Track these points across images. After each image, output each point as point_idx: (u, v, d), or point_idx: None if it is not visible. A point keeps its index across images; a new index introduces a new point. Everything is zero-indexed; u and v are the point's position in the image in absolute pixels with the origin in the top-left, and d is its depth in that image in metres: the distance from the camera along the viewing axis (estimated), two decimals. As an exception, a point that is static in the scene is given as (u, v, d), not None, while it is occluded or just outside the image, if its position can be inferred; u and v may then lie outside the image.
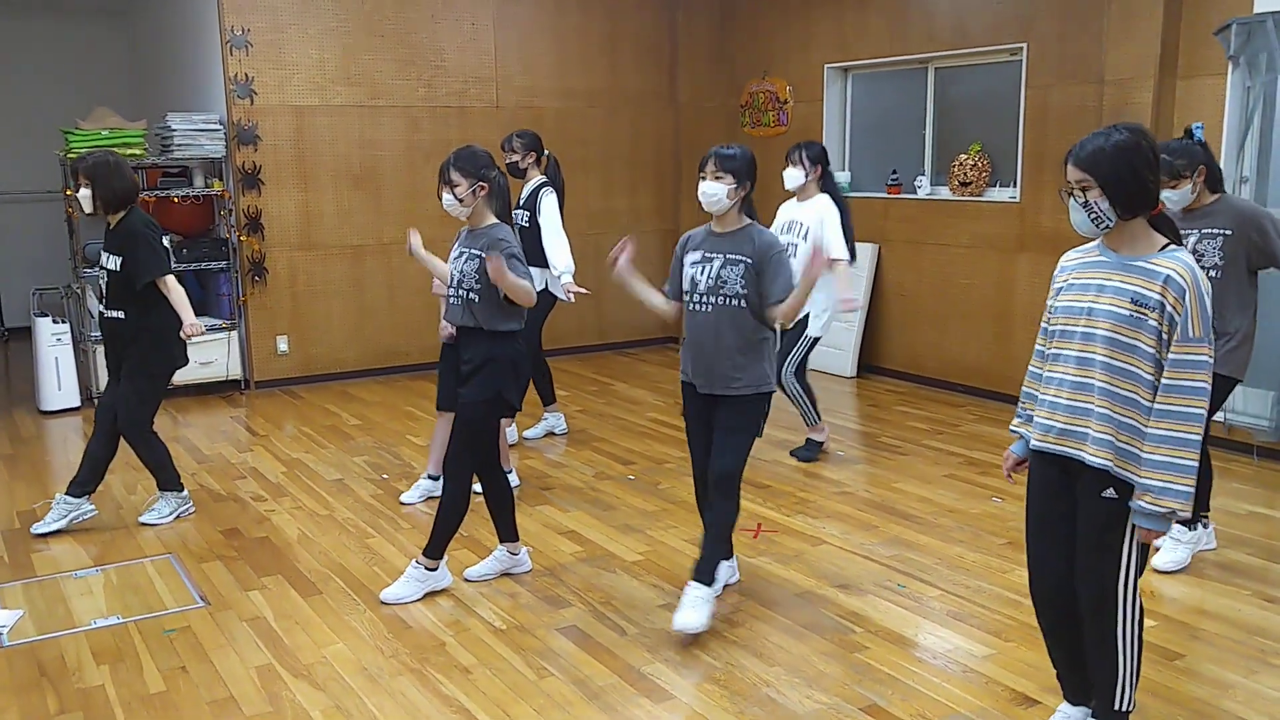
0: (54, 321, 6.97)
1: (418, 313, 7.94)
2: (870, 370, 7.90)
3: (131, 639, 3.76)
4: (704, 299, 3.72)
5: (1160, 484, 2.55)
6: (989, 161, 7.14)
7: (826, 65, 8.09)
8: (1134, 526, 2.67)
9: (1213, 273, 4.00)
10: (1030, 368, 2.90)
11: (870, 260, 7.72)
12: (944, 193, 7.43)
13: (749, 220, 3.76)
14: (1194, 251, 4.03)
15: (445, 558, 4.09)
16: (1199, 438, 2.54)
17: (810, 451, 5.82)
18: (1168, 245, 2.63)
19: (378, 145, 7.80)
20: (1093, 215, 2.61)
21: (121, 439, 4.85)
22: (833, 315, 5.69)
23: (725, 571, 4.02)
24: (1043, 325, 2.87)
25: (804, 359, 5.68)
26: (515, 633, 3.77)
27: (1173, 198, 4.01)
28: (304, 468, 5.78)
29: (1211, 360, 2.56)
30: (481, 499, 4.21)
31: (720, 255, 3.70)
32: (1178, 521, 4.19)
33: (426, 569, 4.05)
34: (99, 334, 7.00)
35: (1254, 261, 4.02)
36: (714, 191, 3.67)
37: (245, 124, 7.34)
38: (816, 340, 5.68)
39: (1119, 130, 2.60)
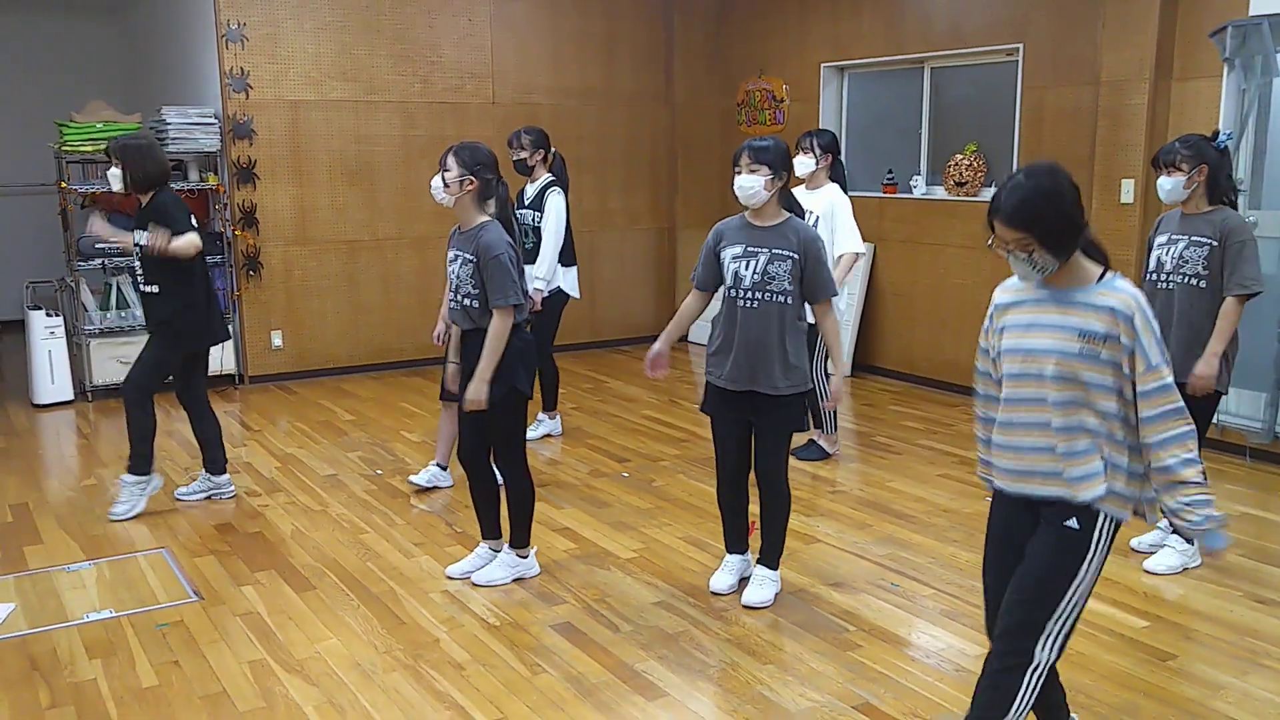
0: (47, 315, 6.95)
1: (411, 309, 7.93)
2: (865, 369, 7.91)
3: (124, 633, 3.75)
4: (749, 295, 3.72)
5: (1178, 506, 2.46)
6: (984, 162, 7.15)
7: (823, 64, 8.09)
8: (1084, 568, 2.52)
9: (1195, 281, 3.99)
10: (977, 412, 2.77)
11: (865, 260, 7.74)
12: (939, 193, 7.44)
13: (787, 214, 3.77)
14: (1180, 258, 4.02)
15: (534, 547, 4.27)
16: (1195, 454, 2.45)
17: (812, 453, 5.81)
18: (1104, 273, 2.51)
19: (373, 140, 7.79)
20: (1037, 268, 2.48)
21: (191, 407, 5.02)
22: (842, 298, 5.69)
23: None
24: (979, 366, 2.75)
25: (828, 355, 5.69)
26: (509, 629, 3.77)
27: (1164, 185, 4.01)
28: (298, 463, 5.77)
29: (1173, 379, 2.46)
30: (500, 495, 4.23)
31: (765, 250, 3.70)
32: (1175, 532, 4.24)
33: (519, 556, 4.19)
34: (92, 328, 7.01)
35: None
36: (751, 185, 3.67)
37: (240, 118, 7.32)
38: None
39: (1036, 175, 2.46)
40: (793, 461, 5.66)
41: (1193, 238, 4.01)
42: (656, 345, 4.00)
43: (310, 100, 7.53)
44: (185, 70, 8.11)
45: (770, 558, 4.00)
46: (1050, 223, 2.43)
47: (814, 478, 5.53)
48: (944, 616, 3.88)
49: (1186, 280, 4.01)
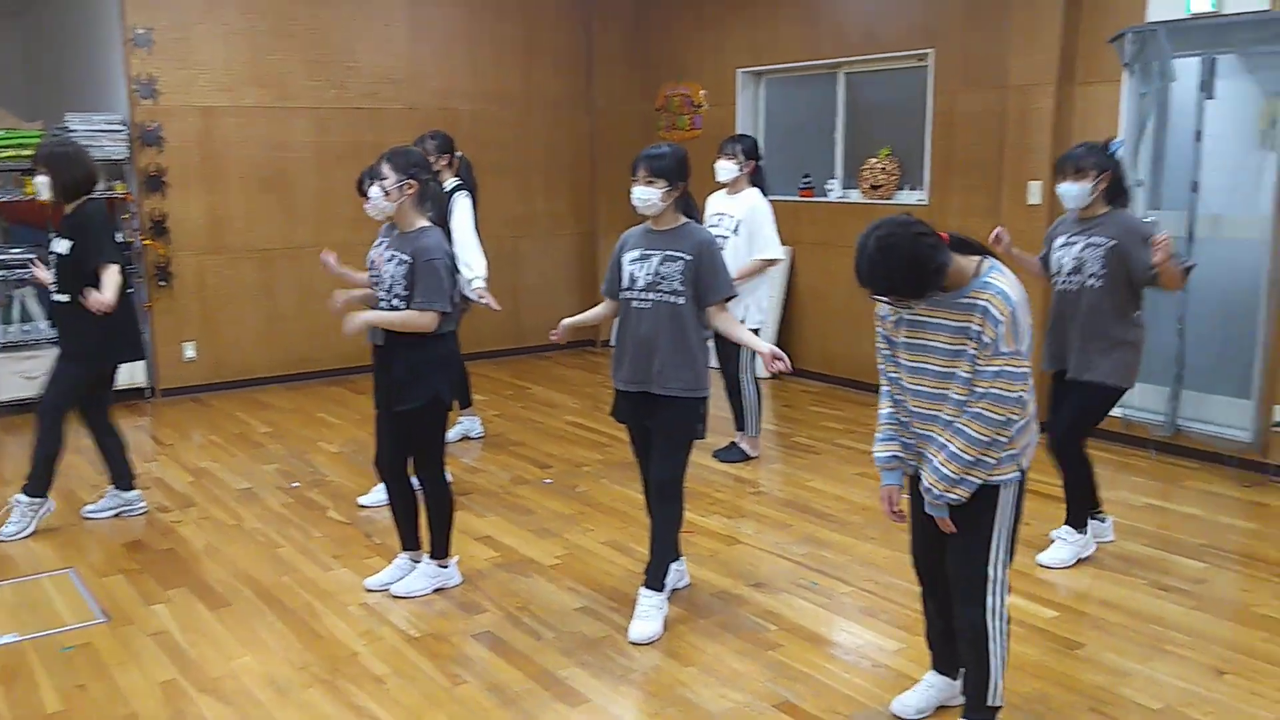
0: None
1: (330, 317, 7.70)
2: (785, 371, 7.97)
3: (27, 657, 3.62)
4: (643, 295, 3.71)
5: (934, 463, 2.78)
6: (898, 165, 7.28)
7: (739, 70, 8.17)
8: (1001, 511, 2.82)
9: (1093, 281, 4.10)
10: (885, 390, 3.02)
11: (784, 262, 7.82)
12: (855, 196, 7.56)
13: (686, 219, 3.77)
14: (1078, 259, 4.14)
15: (455, 557, 4.23)
16: (987, 440, 2.72)
17: (734, 454, 5.85)
18: (981, 264, 2.76)
19: (288, 147, 7.66)
20: (913, 307, 2.79)
21: (94, 424, 4.92)
22: (764, 298, 5.76)
23: (673, 576, 4.00)
24: (883, 353, 2.97)
25: (753, 355, 5.71)
26: (429, 640, 3.73)
27: (1071, 190, 4.12)
28: (212, 477, 5.64)
29: (1027, 371, 2.71)
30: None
31: (659, 252, 3.70)
32: (1067, 524, 4.37)
33: (439, 567, 4.15)
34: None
35: (1132, 274, 4.08)
36: (647, 196, 3.66)
37: (149, 125, 7.15)
38: (757, 331, 5.70)
39: (885, 247, 2.63)
40: (714, 464, 5.76)
41: (1090, 239, 4.13)
42: (566, 320, 3.96)
43: (222, 106, 7.38)
44: (91, 76, 7.88)
45: (655, 579, 3.82)
46: (910, 283, 2.68)
47: (736, 479, 5.57)
48: (862, 614, 3.93)
49: (1085, 281, 4.13)
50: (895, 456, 2.99)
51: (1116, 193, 4.17)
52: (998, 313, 2.68)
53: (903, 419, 2.94)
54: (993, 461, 2.75)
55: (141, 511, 5.02)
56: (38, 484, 4.75)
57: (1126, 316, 4.14)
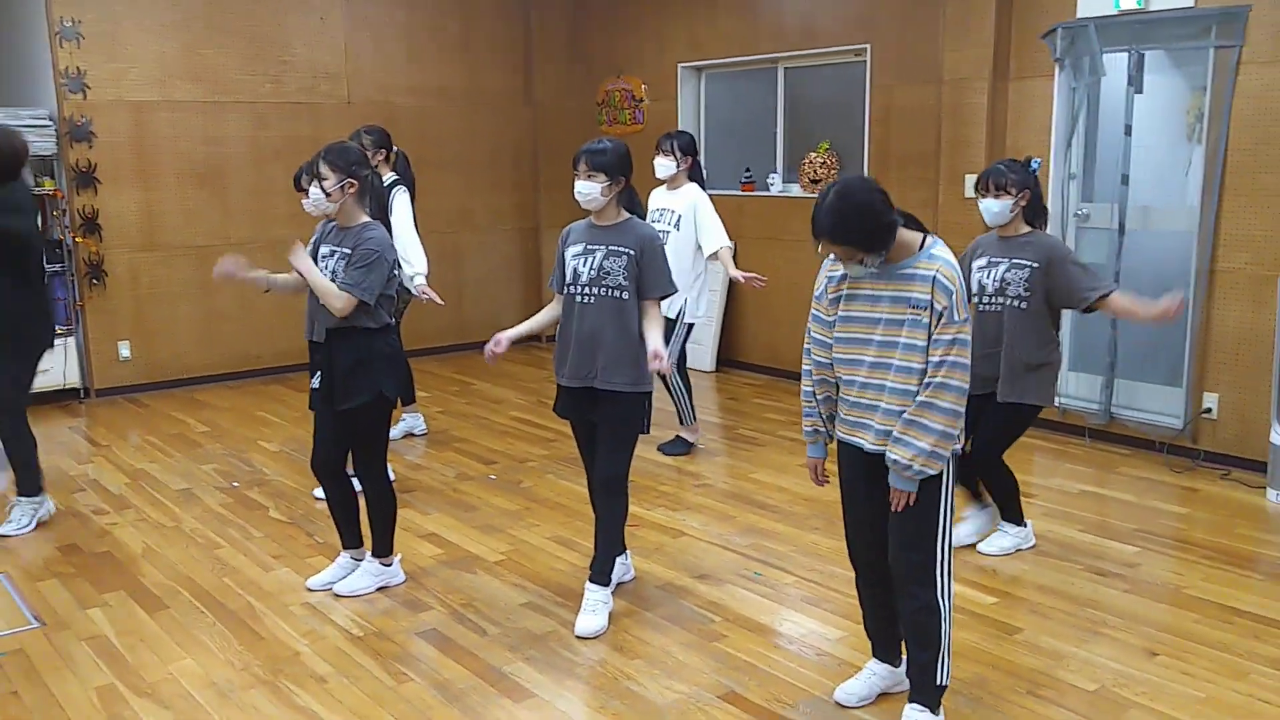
0: None
1: (269, 315, 7.70)
2: (729, 364, 8.04)
3: (-43, 666, 3.54)
4: (586, 290, 3.70)
5: (905, 438, 2.79)
6: (837, 159, 7.35)
7: (680, 64, 8.19)
8: (944, 492, 2.88)
9: (1018, 304, 4.13)
10: (806, 369, 3.06)
11: (726, 255, 7.85)
12: (795, 190, 7.62)
13: (628, 214, 3.77)
14: (1001, 281, 4.16)
15: (399, 555, 4.20)
16: (958, 410, 2.78)
17: (678, 447, 5.88)
18: (924, 240, 2.84)
19: (223, 142, 7.54)
20: (867, 265, 2.81)
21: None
22: (703, 295, 5.78)
23: (619, 569, 4.01)
24: (812, 333, 3.02)
25: (683, 349, 5.74)
26: (373, 639, 3.70)
27: (993, 208, 4.14)
28: (149, 478, 5.54)
29: (969, 337, 2.79)
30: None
31: (603, 247, 3.69)
32: (1006, 519, 4.42)
33: (382, 565, 4.13)
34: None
35: (1056, 298, 4.14)
36: (588, 190, 3.66)
37: (78, 120, 6.99)
38: (691, 326, 5.74)
39: (847, 195, 2.74)
40: (658, 457, 5.78)
41: (1013, 260, 4.15)
42: (505, 331, 3.80)
43: (154, 101, 7.24)
44: (15, 70, 7.68)
45: (600, 574, 3.82)
46: (869, 234, 2.75)
47: (680, 472, 5.59)
48: (805, 603, 3.98)
49: (1009, 303, 4.16)
50: (816, 430, 3.09)
51: (1036, 212, 4.20)
52: (948, 282, 2.76)
53: (822, 395, 3.02)
54: (955, 433, 2.80)
55: (49, 511, 4.90)
56: (30, 485, 4.76)
57: (1049, 337, 4.18)
